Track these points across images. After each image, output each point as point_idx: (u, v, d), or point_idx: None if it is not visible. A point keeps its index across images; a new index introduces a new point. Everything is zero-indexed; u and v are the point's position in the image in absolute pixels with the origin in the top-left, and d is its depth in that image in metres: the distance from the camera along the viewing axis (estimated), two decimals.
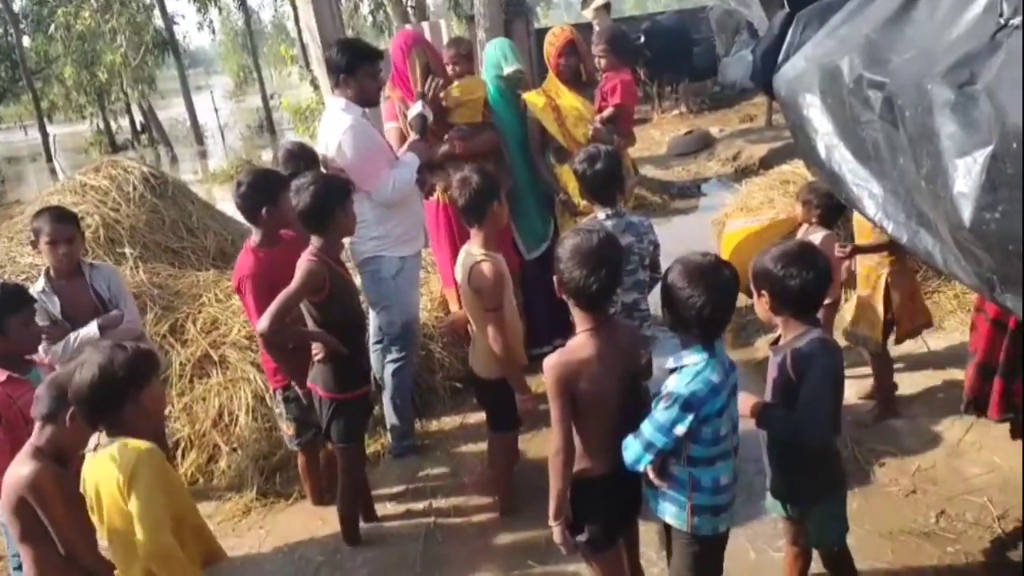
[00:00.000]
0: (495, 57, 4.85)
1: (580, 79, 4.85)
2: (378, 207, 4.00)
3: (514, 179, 4.79)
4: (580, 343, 2.47)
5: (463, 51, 4.82)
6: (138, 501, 2.25)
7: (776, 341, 2.65)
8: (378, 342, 4.29)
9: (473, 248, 3.37)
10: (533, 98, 4.81)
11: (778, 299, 2.54)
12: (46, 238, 3.69)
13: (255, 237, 3.67)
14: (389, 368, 4.19)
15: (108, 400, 2.32)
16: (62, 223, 3.71)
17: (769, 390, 2.63)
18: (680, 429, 2.31)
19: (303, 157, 4.28)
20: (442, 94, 4.46)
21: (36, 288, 3.70)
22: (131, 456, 2.28)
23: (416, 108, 4.28)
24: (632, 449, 2.41)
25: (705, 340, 2.36)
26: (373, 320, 4.26)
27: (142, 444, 2.33)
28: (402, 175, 4.03)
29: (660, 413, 2.34)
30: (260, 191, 3.56)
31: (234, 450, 4.34)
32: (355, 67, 3.94)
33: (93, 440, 2.40)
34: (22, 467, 2.52)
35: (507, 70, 4.78)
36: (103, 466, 2.32)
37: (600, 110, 4.73)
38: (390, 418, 4.32)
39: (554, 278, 2.52)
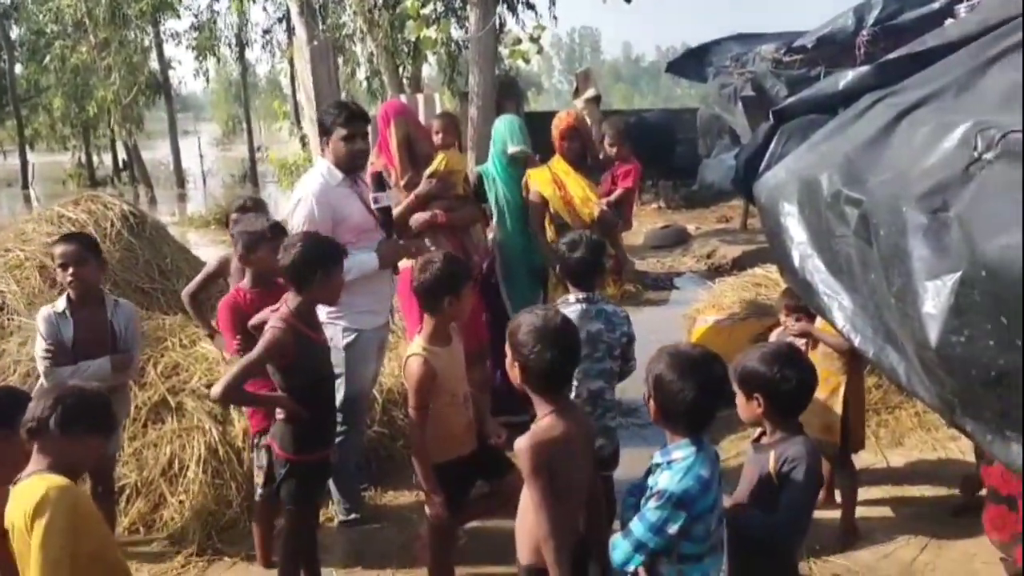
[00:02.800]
0: (503, 135, 5.01)
1: (584, 161, 5.02)
2: None
3: (506, 247, 4.97)
4: (549, 424, 2.41)
5: (450, 124, 4.97)
6: (36, 539, 2.20)
7: (758, 439, 2.65)
8: None
9: (417, 337, 3.27)
10: (538, 176, 4.95)
11: (772, 402, 2.53)
12: (58, 260, 3.70)
13: (246, 281, 3.77)
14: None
15: (55, 428, 2.32)
16: (71, 244, 3.71)
17: (744, 488, 2.59)
18: (673, 528, 2.22)
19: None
20: (431, 169, 4.55)
21: (56, 308, 3.67)
22: (39, 492, 2.24)
23: (384, 200, 4.15)
24: (621, 549, 2.31)
25: (693, 434, 2.32)
26: None
27: (56, 481, 2.28)
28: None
29: (651, 512, 2.24)
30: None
31: (180, 502, 4.21)
32: (331, 128, 3.91)
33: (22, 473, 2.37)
34: None
35: (511, 149, 4.94)
36: (17, 498, 2.30)
37: (608, 193, 4.86)
38: (334, 490, 4.20)
39: (508, 360, 2.47)
